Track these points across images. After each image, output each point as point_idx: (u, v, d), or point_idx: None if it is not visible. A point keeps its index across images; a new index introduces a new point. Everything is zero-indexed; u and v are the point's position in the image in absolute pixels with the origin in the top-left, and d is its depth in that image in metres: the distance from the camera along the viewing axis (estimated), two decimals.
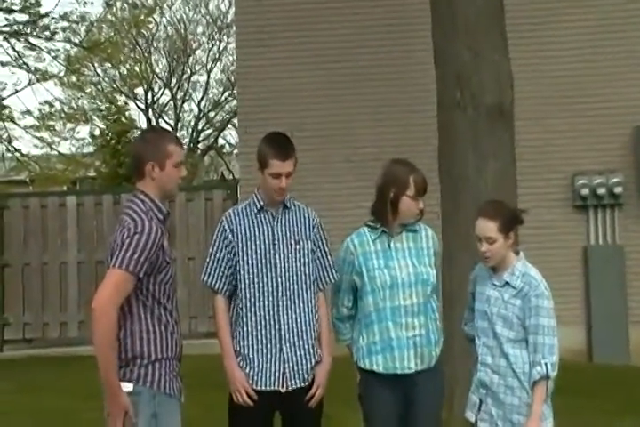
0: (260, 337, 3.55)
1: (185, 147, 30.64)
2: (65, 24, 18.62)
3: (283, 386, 3.54)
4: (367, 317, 3.65)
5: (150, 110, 31.45)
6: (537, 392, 3.46)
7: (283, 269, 3.59)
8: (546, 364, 3.44)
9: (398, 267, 3.62)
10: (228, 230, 3.63)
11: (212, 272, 3.63)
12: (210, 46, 30.96)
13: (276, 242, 3.61)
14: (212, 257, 3.65)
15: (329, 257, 3.72)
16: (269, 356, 3.55)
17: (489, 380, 3.57)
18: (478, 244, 3.57)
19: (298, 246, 3.62)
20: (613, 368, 8.08)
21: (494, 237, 3.53)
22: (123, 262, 3.04)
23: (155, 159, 3.23)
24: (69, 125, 24.17)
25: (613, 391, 6.95)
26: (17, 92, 20.61)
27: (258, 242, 3.60)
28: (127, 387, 3.09)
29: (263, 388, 3.53)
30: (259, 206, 3.66)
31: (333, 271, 3.71)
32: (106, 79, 29.10)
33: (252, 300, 3.57)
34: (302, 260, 3.62)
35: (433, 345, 3.64)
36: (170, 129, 29.77)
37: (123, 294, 3.06)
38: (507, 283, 3.56)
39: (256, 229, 3.63)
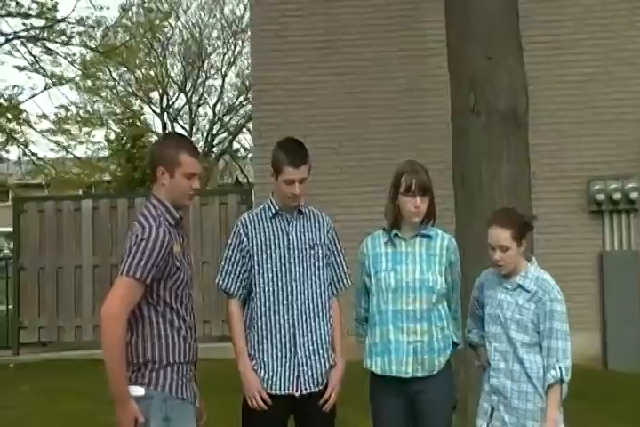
0: (274, 341, 3.56)
1: (199, 152, 30.80)
2: (81, 29, 18.82)
3: (297, 390, 3.55)
4: (372, 317, 3.67)
5: (165, 114, 31.62)
6: (551, 397, 3.45)
7: (297, 274, 3.60)
8: (560, 368, 3.44)
9: (405, 271, 3.62)
10: (244, 235, 3.64)
11: (227, 276, 3.65)
12: (225, 51, 31.10)
13: (291, 247, 3.62)
14: (227, 261, 3.66)
15: (343, 262, 3.73)
16: (284, 360, 3.55)
17: (502, 386, 3.56)
18: (491, 252, 3.57)
19: (312, 251, 3.63)
20: (628, 375, 8.03)
21: (508, 245, 3.53)
22: (130, 270, 3.05)
23: (164, 165, 3.22)
24: (85, 129, 24.28)
25: (628, 398, 6.91)
26: (33, 96, 20.79)
27: (273, 246, 3.61)
28: (139, 391, 3.10)
29: (277, 392, 3.54)
30: (274, 211, 3.67)
31: (347, 276, 3.73)
32: (121, 83, 29.32)
33: (267, 304, 3.58)
34: (317, 264, 3.63)
35: (436, 353, 3.60)
36: (186, 134, 29.92)
37: (131, 301, 3.06)
38: (519, 286, 3.56)
39: (271, 233, 3.64)
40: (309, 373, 3.56)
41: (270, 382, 3.55)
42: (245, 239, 3.63)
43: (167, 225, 3.19)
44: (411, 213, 3.63)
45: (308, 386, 3.55)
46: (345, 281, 3.72)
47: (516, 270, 3.60)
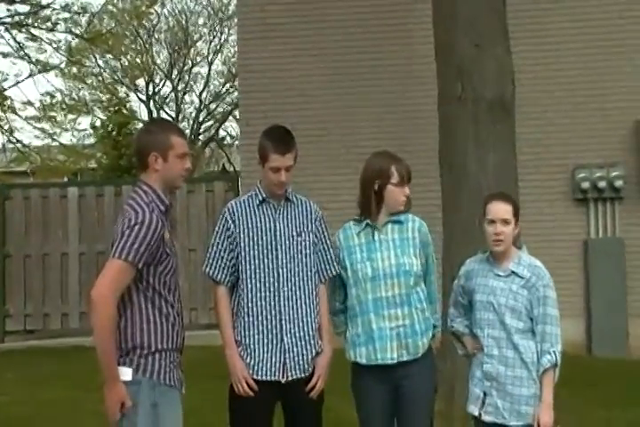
0: (261, 327, 3.57)
1: (187, 138, 30.70)
2: (66, 15, 18.67)
3: (283, 376, 3.56)
4: (352, 309, 3.70)
5: (151, 102, 31.43)
6: (546, 381, 3.51)
7: (284, 261, 3.60)
8: (554, 352, 3.49)
9: (381, 259, 3.64)
10: (230, 221, 3.64)
11: (214, 263, 3.65)
12: (211, 38, 30.91)
13: (278, 234, 3.63)
14: (214, 248, 3.67)
15: (330, 250, 3.74)
16: (270, 346, 3.57)
17: (495, 371, 3.59)
18: (490, 228, 3.59)
19: (299, 238, 3.64)
20: (612, 361, 8.11)
21: (509, 218, 3.59)
22: (122, 253, 3.06)
23: (157, 150, 3.24)
24: (70, 117, 24.18)
25: (613, 384, 6.98)
26: (18, 83, 20.71)
27: (260, 233, 3.62)
28: (127, 374, 3.11)
29: (264, 378, 3.55)
30: (261, 198, 3.68)
31: (335, 264, 3.74)
32: (107, 70, 29.09)
33: (254, 290, 3.59)
34: (304, 252, 3.64)
35: (419, 335, 3.64)
36: (172, 120, 29.78)
37: (122, 284, 3.07)
38: (512, 272, 3.59)
39: (258, 220, 3.64)
40: (295, 359, 3.58)
41: (256, 367, 3.56)
42: (232, 226, 3.63)
43: (158, 211, 3.20)
44: (401, 202, 3.67)
45: (294, 372, 3.57)
46: (333, 269, 3.73)
47: (507, 256, 3.63)
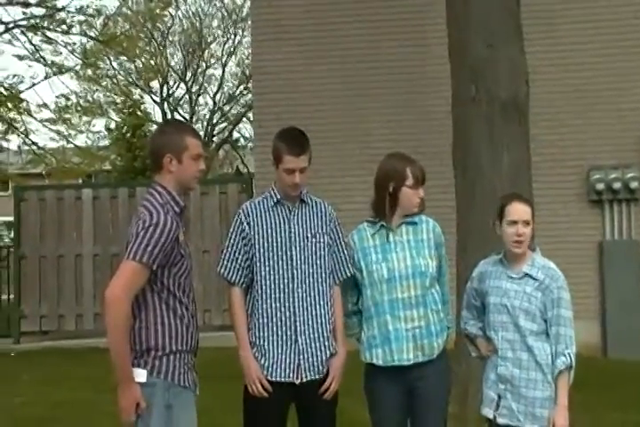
0: (275, 329, 3.57)
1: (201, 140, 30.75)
2: (81, 17, 18.73)
3: (297, 378, 3.56)
4: (367, 311, 3.69)
5: (165, 104, 31.56)
6: (561, 383, 3.48)
7: (299, 262, 3.60)
8: (569, 354, 3.47)
9: (396, 260, 3.64)
10: (245, 223, 3.65)
11: (229, 264, 3.65)
12: (225, 40, 31.00)
13: (292, 235, 3.63)
14: (229, 249, 3.67)
15: (345, 251, 3.73)
16: (285, 347, 3.57)
17: (509, 374, 3.57)
18: (511, 229, 3.56)
19: (314, 240, 3.64)
20: (628, 363, 8.06)
21: (530, 220, 3.59)
22: (137, 254, 3.06)
23: (172, 152, 3.24)
24: (85, 119, 24.25)
25: (628, 386, 6.94)
26: (34, 85, 20.69)
27: (274, 234, 3.62)
28: (141, 376, 3.11)
29: (278, 379, 3.55)
30: (275, 200, 3.68)
31: (349, 265, 3.73)
32: (121, 73, 29.24)
33: (268, 291, 3.59)
34: (318, 253, 3.64)
35: (434, 336, 3.64)
36: (186, 121, 29.83)
37: (136, 285, 3.07)
38: (526, 275, 3.57)
39: (272, 222, 3.64)
40: (310, 360, 3.57)
41: (270, 369, 3.56)
42: (247, 228, 3.64)
43: (172, 212, 3.20)
44: (415, 204, 3.68)
45: (308, 373, 3.57)
46: (347, 270, 3.72)
47: (521, 258, 3.62)
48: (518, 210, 3.60)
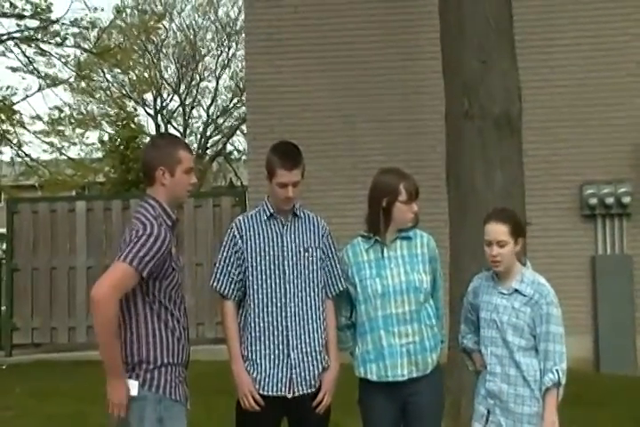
0: (267, 343, 3.57)
1: (194, 153, 30.76)
2: (75, 30, 18.81)
3: (289, 392, 3.56)
4: (361, 326, 3.69)
5: (159, 116, 31.59)
6: (549, 400, 3.47)
7: (291, 276, 3.61)
8: (557, 371, 3.46)
9: (390, 275, 3.65)
10: (238, 236, 3.65)
11: (222, 278, 3.66)
12: (219, 53, 31.09)
13: (285, 249, 3.63)
14: (222, 263, 3.67)
15: (338, 265, 3.74)
16: (277, 361, 3.57)
17: (498, 389, 3.57)
18: (488, 249, 3.59)
19: (307, 254, 3.65)
20: (620, 378, 8.06)
21: (505, 240, 3.56)
22: (127, 257, 3.05)
23: (165, 165, 3.26)
24: (79, 131, 24.27)
25: (621, 401, 6.94)
26: (27, 97, 20.81)
27: (267, 248, 3.63)
28: (133, 388, 3.11)
29: (270, 393, 3.55)
30: (268, 214, 3.69)
31: (342, 280, 3.73)
32: (115, 85, 29.26)
33: (261, 305, 3.59)
34: (310, 267, 3.65)
35: (428, 352, 3.64)
36: (179, 135, 29.89)
37: (123, 287, 3.05)
38: (516, 290, 3.58)
39: (265, 235, 3.65)
40: (302, 374, 3.57)
41: (263, 382, 3.56)
42: (240, 241, 3.64)
43: (166, 226, 3.22)
44: (409, 219, 3.68)
45: (300, 388, 3.56)
46: (340, 284, 3.73)
47: (511, 274, 3.62)
48: (492, 230, 3.58)
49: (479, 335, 3.73)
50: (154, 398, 3.13)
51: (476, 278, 3.81)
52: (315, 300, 3.63)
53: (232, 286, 3.64)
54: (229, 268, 3.65)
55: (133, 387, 3.12)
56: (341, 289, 3.73)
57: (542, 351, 3.50)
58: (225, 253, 3.67)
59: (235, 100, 30.96)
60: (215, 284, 3.67)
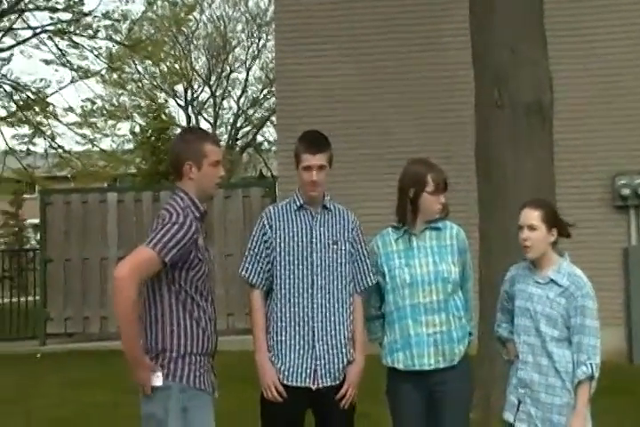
0: (293, 333, 3.58)
1: (223, 144, 30.81)
2: (107, 22, 18.93)
3: (313, 383, 3.56)
4: (389, 315, 3.70)
5: (190, 108, 31.74)
6: (581, 393, 3.45)
7: (319, 268, 3.61)
8: (591, 364, 3.43)
9: (419, 265, 3.64)
10: (267, 226, 3.67)
11: (250, 267, 3.67)
12: (249, 44, 31.13)
13: (314, 240, 3.63)
14: (251, 252, 3.69)
15: (367, 260, 3.73)
16: (302, 352, 3.57)
17: (529, 379, 3.56)
18: (520, 233, 3.58)
19: (335, 247, 3.64)
20: None
21: (536, 224, 3.56)
22: (152, 242, 3.10)
23: (192, 159, 3.30)
24: (110, 122, 24.45)
25: None
26: (60, 89, 20.94)
27: (296, 239, 3.63)
28: (158, 379, 3.15)
29: (294, 384, 3.55)
30: (298, 204, 3.69)
31: (371, 275, 3.73)
32: (146, 77, 29.42)
33: (288, 296, 3.60)
34: (339, 260, 3.64)
35: (456, 342, 3.64)
36: (209, 127, 30.02)
37: (145, 271, 3.08)
38: (551, 280, 3.56)
39: (295, 226, 3.66)
40: (326, 367, 3.57)
41: (287, 373, 3.57)
42: (269, 231, 3.65)
43: (193, 217, 3.24)
44: (436, 210, 3.67)
45: (324, 380, 3.57)
46: (368, 279, 3.72)
47: (546, 262, 3.60)
48: (524, 215, 3.61)
49: (514, 325, 3.71)
50: (178, 388, 3.17)
51: (513, 268, 3.80)
52: (342, 293, 3.63)
53: (260, 276, 3.65)
54: (258, 257, 3.66)
55: (157, 379, 3.16)
56: (370, 284, 3.72)
57: (576, 344, 3.47)
58: (254, 243, 3.69)
59: (265, 91, 31.04)
60: (244, 273, 3.68)
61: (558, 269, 3.58)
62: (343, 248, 3.66)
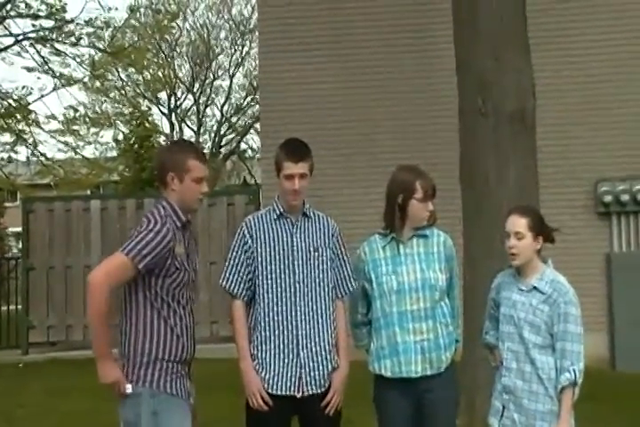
0: (277, 342, 3.57)
1: (207, 152, 30.73)
2: (90, 30, 18.85)
3: (299, 391, 3.55)
4: (376, 322, 3.70)
5: (173, 115, 31.69)
6: (565, 399, 3.46)
7: (301, 276, 3.61)
8: (574, 370, 3.44)
9: (406, 272, 3.65)
10: (248, 236, 3.66)
11: (231, 277, 3.66)
12: (233, 51, 31.14)
13: (295, 249, 3.63)
14: (231, 262, 3.68)
15: (348, 266, 3.74)
16: (286, 361, 3.57)
17: (513, 385, 3.57)
18: (506, 241, 3.59)
19: (316, 254, 3.64)
20: (636, 376, 8.02)
21: (523, 232, 3.56)
22: (126, 249, 3.18)
23: (175, 171, 3.34)
24: (93, 130, 24.33)
25: (636, 399, 6.90)
26: (42, 97, 20.84)
27: (277, 248, 3.63)
28: (127, 389, 3.19)
29: (279, 392, 3.55)
30: (278, 213, 3.69)
31: (352, 280, 3.74)
32: (129, 84, 29.34)
33: (270, 305, 3.59)
34: (320, 267, 3.64)
35: (442, 350, 3.64)
36: (193, 134, 29.96)
37: (118, 277, 3.17)
38: (534, 288, 3.57)
39: (275, 235, 3.65)
40: (311, 374, 3.57)
41: (272, 381, 3.56)
42: (250, 240, 3.64)
43: (173, 226, 3.28)
44: (424, 217, 3.68)
45: (309, 387, 3.56)
46: (350, 285, 3.73)
47: (530, 269, 3.61)
48: (510, 223, 3.62)
49: (499, 332, 3.72)
50: (148, 393, 3.20)
51: (499, 275, 3.81)
52: (324, 299, 3.63)
53: (241, 286, 3.64)
54: (239, 267, 3.65)
55: (127, 389, 3.19)
56: (351, 290, 3.73)
57: (559, 350, 3.49)
58: (234, 253, 3.68)
59: (248, 99, 31.04)
60: (224, 283, 3.67)
61: (541, 276, 3.59)
62: (324, 255, 3.66)
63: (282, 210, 3.69)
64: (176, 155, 3.35)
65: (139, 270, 3.18)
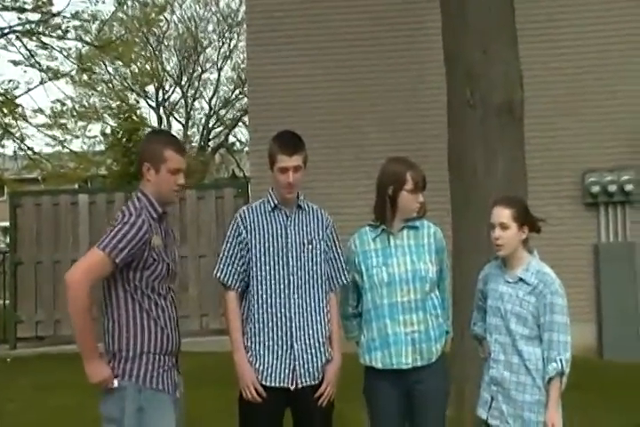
0: (270, 334, 3.58)
1: (195, 146, 30.64)
2: (76, 23, 18.77)
3: (292, 383, 3.56)
4: (367, 314, 3.70)
5: (161, 108, 31.58)
6: (552, 389, 3.48)
7: (295, 268, 3.61)
8: (561, 360, 3.46)
9: (397, 264, 3.65)
10: (242, 227, 3.66)
11: (225, 268, 3.66)
12: (220, 44, 31.03)
13: (289, 241, 3.63)
14: (226, 253, 3.68)
15: (341, 258, 3.75)
16: (280, 353, 3.57)
17: (500, 376, 3.59)
18: (492, 232, 3.60)
19: (310, 246, 3.65)
20: (624, 365, 8.07)
21: (507, 223, 3.58)
22: (102, 244, 3.15)
23: (150, 161, 3.30)
24: (81, 124, 24.28)
25: (624, 388, 6.95)
26: (29, 90, 20.77)
27: (271, 239, 3.63)
28: (114, 384, 3.18)
29: (272, 384, 3.55)
30: (272, 205, 3.69)
31: (345, 273, 3.74)
32: (117, 77, 29.23)
33: (264, 297, 3.59)
34: (314, 259, 3.65)
35: (433, 341, 3.66)
36: (181, 128, 29.86)
37: (96, 273, 3.14)
38: (520, 279, 3.59)
39: (269, 226, 3.65)
40: (305, 366, 3.58)
41: (265, 373, 3.56)
42: (244, 232, 3.64)
43: (149, 217, 3.26)
44: (414, 209, 3.69)
45: (303, 379, 3.57)
46: (343, 277, 3.74)
47: (516, 261, 3.63)
48: (495, 213, 3.63)
49: (486, 323, 3.73)
50: (133, 388, 3.18)
51: (487, 267, 3.82)
52: (318, 292, 3.64)
53: (235, 277, 3.64)
54: (233, 258, 3.65)
55: (113, 380, 3.18)
56: (344, 282, 3.74)
57: (546, 341, 3.50)
58: (229, 244, 3.67)
59: (237, 92, 30.95)
60: (219, 274, 3.67)
61: (527, 267, 3.61)
62: (318, 247, 3.66)
63: (276, 202, 3.69)
64: (153, 145, 3.32)
65: (117, 265, 3.15)
